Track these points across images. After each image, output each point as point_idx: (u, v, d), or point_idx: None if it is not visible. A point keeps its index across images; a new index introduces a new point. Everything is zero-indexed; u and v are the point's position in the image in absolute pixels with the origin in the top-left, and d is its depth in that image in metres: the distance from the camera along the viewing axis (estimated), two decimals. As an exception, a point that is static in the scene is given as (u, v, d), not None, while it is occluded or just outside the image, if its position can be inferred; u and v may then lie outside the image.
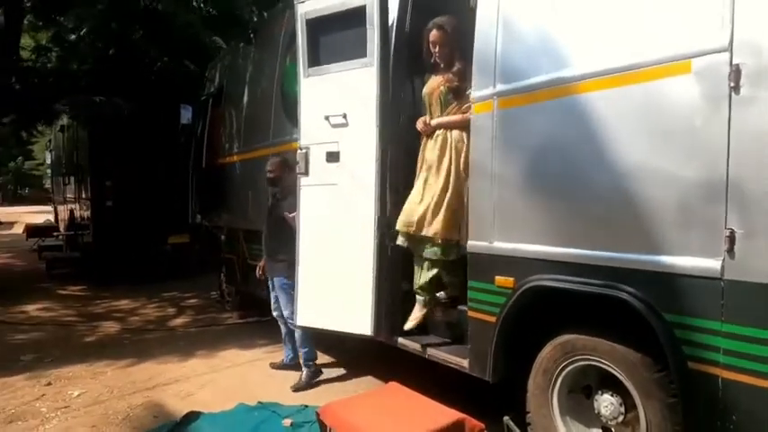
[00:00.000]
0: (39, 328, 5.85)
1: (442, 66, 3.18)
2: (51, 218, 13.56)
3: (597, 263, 2.32)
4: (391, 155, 3.44)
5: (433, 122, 3.17)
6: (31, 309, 6.72)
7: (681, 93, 2.05)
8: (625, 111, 2.22)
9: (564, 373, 2.57)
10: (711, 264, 1.94)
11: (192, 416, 3.48)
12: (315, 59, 3.74)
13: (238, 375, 4.33)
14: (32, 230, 11.97)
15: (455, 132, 3.09)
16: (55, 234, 11.12)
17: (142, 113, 7.70)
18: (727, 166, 1.91)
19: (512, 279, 2.67)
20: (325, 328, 3.69)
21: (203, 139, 6.67)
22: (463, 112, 3.06)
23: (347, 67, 3.54)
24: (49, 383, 4.17)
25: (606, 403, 2.46)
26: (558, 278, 2.46)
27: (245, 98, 5.69)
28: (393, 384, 3.70)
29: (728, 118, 1.91)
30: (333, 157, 3.62)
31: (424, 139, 3.25)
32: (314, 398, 3.74)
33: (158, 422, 3.46)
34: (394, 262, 3.46)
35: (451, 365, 3.07)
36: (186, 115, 6.92)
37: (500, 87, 2.73)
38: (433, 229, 3.06)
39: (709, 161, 1.96)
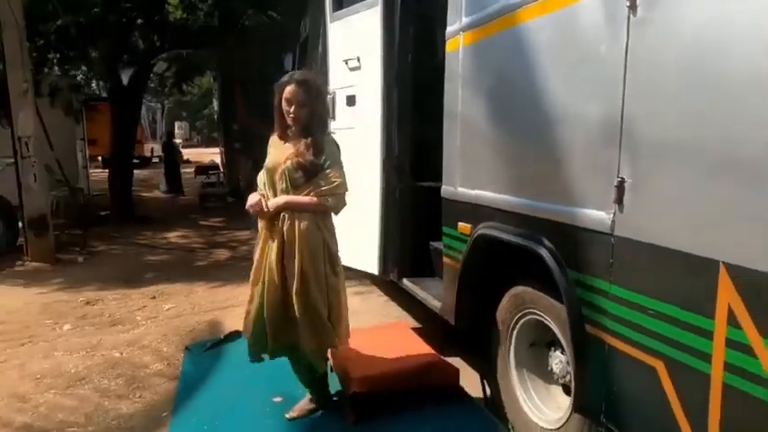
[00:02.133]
0: (169, 252, 7.03)
1: (293, 129, 2.46)
2: (217, 159, 15.65)
3: (525, 212, 2.15)
4: (398, 96, 3.41)
5: (271, 203, 2.39)
6: (172, 236, 8.05)
7: (586, 19, 1.76)
8: (540, 44, 1.97)
9: (519, 326, 2.48)
10: (602, 217, 1.71)
11: (235, 334, 4.02)
12: (338, 4, 3.79)
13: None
14: (199, 169, 13.99)
15: (304, 222, 2.37)
16: (210, 172, 12.88)
17: (254, 64, 8.38)
18: (623, 102, 1.62)
19: (469, 226, 2.59)
20: (348, 265, 3.92)
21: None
22: (315, 196, 2.39)
23: (358, 10, 3.53)
24: (153, 297, 5.09)
25: (556, 360, 2.33)
26: (498, 227, 2.34)
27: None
28: (401, 322, 3.87)
29: (626, 45, 1.61)
30: (350, 101, 3.71)
31: (263, 231, 2.48)
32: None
33: (212, 337, 4.08)
34: (402, 205, 3.51)
35: (430, 307, 3.10)
36: (288, 62, 7.41)
37: (464, 21, 2.55)
38: (307, 345, 2.44)
39: (606, 96, 1.69)
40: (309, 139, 2.36)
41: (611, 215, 1.68)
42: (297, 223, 2.36)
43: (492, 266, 2.54)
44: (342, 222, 3.98)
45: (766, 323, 1.26)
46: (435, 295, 3.08)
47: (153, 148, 22.61)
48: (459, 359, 3.18)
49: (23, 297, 5.06)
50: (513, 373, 2.53)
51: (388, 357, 2.98)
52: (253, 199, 2.42)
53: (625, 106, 1.62)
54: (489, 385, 2.71)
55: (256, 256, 2.50)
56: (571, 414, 2.11)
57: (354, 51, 3.60)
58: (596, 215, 1.74)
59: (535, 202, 2.08)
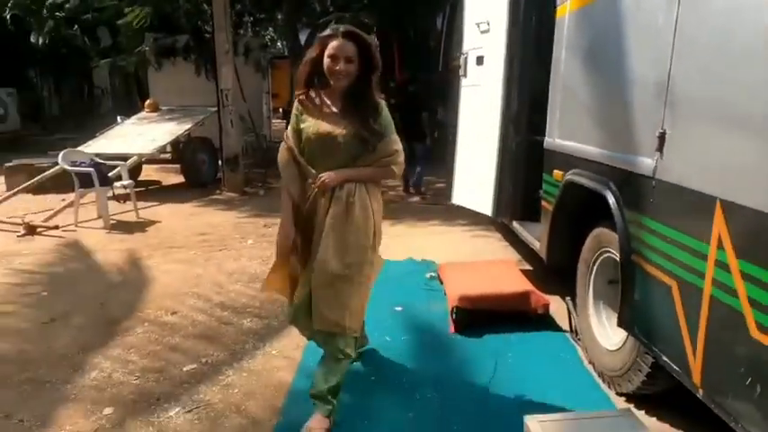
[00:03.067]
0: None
1: (333, 90, 2.19)
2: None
3: (599, 160, 2.50)
4: (518, 58, 3.77)
5: (338, 177, 2.17)
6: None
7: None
8: (618, 15, 2.26)
9: (598, 264, 2.83)
10: (648, 162, 2.03)
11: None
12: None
13: (413, 238, 5.44)
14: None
15: (359, 192, 2.19)
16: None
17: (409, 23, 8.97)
18: (670, 65, 1.92)
19: (561, 173, 2.96)
20: (466, 206, 4.48)
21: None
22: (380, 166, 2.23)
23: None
24: (266, 226, 6.06)
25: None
26: (582, 173, 2.70)
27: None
28: (509, 259, 4.32)
29: (676, 17, 1.88)
30: (479, 60, 4.14)
31: (314, 199, 2.24)
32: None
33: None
34: (517, 155, 3.91)
35: (531, 246, 3.53)
36: (438, 22, 7.89)
37: (570, -11, 2.85)
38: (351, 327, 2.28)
39: (659, 61, 1.98)
40: (369, 107, 2.15)
41: (654, 161, 2.00)
42: (352, 194, 2.17)
43: (578, 210, 2.90)
44: (462, 168, 4.51)
45: (741, 247, 1.57)
46: (536, 236, 3.49)
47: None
48: (557, 296, 3.58)
49: (221, 217, 6.49)
50: (591, 304, 2.90)
51: (489, 283, 3.51)
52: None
53: (672, 69, 1.91)
54: (574, 316, 3.10)
55: (287, 227, 2.28)
56: (627, 338, 2.47)
57: (485, 16, 4.00)
58: (644, 161, 2.07)
59: (605, 151, 2.42)
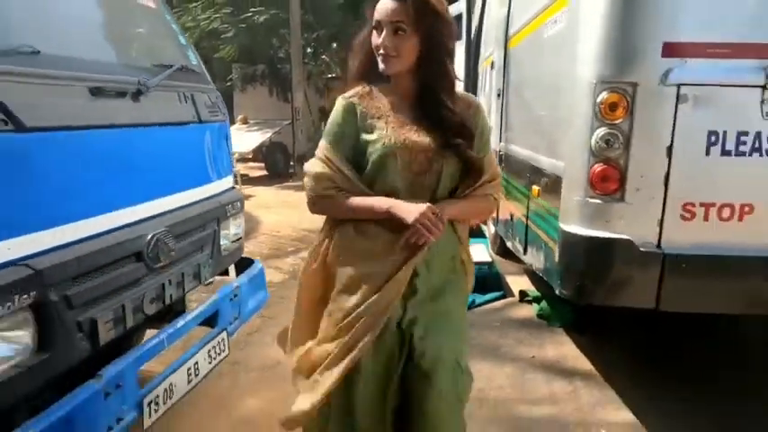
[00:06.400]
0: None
1: (393, 80, 1.48)
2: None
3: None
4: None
5: (447, 212, 1.43)
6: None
7: (515, 53, 4.79)
8: (516, 53, 5.01)
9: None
10: (500, 144, 4.77)
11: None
12: None
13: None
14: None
15: (458, 242, 1.55)
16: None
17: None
18: (508, 90, 4.66)
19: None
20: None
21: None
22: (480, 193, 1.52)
23: None
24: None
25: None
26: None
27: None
28: None
29: (504, 69, 4.65)
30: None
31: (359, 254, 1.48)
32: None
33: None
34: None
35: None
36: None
37: (510, 31, 5.50)
38: None
39: (505, 85, 4.73)
40: (452, 106, 1.42)
41: (503, 142, 4.70)
42: (456, 247, 1.54)
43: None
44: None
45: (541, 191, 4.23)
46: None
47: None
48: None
49: (296, 195, 9.49)
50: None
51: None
52: (419, 212, 1.35)
53: (509, 95, 4.60)
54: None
55: (343, 296, 1.45)
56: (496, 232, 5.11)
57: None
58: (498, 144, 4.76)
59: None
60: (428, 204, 1.39)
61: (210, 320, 2.14)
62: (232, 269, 2.59)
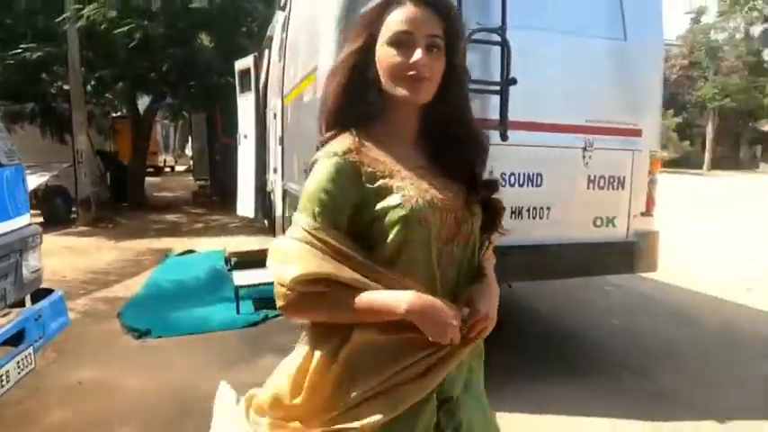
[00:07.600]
0: (167, 222, 10.98)
1: (399, 117, 1.17)
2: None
3: (287, 186, 6.04)
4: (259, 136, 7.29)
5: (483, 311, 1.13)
6: (171, 216, 12.00)
7: (295, 105, 5.67)
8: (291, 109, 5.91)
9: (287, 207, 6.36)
10: (282, 182, 5.58)
11: (190, 251, 7.87)
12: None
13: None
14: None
15: None
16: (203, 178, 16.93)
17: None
18: (283, 133, 5.52)
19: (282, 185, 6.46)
20: (244, 214, 7.89)
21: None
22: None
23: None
24: (151, 247, 8.93)
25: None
26: (286, 185, 6.21)
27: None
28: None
29: (281, 122, 5.51)
30: (246, 137, 7.62)
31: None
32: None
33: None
34: (263, 184, 7.34)
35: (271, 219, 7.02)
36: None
37: (284, 93, 6.36)
38: None
39: (283, 130, 5.59)
40: (475, 142, 1.18)
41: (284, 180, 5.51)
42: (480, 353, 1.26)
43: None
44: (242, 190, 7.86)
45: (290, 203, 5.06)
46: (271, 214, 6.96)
47: (165, 159, 26.76)
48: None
49: (78, 240, 9.03)
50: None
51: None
52: (446, 317, 1.05)
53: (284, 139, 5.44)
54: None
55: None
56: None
57: (246, 119, 7.50)
58: (285, 182, 5.57)
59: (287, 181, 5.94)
60: (458, 312, 1.08)
61: (16, 341, 2.45)
62: (28, 299, 2.87)
